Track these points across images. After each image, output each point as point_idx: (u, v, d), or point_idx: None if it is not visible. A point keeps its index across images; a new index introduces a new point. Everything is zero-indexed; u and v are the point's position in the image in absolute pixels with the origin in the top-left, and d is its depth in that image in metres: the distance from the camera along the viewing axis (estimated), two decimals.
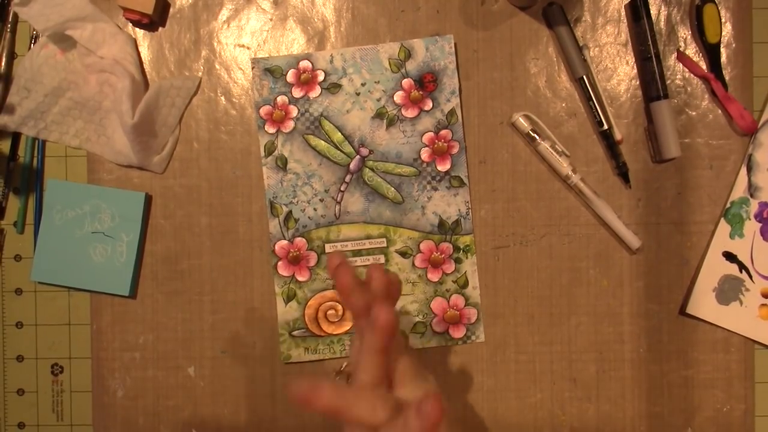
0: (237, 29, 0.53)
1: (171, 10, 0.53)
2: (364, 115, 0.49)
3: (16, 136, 0.53)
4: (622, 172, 0.52)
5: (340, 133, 0.49)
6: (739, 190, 0.52)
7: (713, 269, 0.52)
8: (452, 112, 0.49)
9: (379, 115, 0.49)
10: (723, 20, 0.52)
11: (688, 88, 0.52)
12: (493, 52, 0.52)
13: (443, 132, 0.49)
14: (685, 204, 0.53)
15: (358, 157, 0.49)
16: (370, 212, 0.50)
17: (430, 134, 0.49)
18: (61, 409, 0.54)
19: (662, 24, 0.52)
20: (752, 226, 0.52)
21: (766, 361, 0.53)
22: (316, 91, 0.49)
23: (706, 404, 0.53)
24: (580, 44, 0.52)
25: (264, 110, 0.50)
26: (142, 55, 0.53)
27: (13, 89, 0.52)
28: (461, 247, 0.50)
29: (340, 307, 0.50)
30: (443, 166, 0.50)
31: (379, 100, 0.49)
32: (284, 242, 0.50)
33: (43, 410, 0.54)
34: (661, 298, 0.53)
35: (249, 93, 0.53)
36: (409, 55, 0.49)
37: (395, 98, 0.49)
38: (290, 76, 0.50)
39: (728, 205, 0.52)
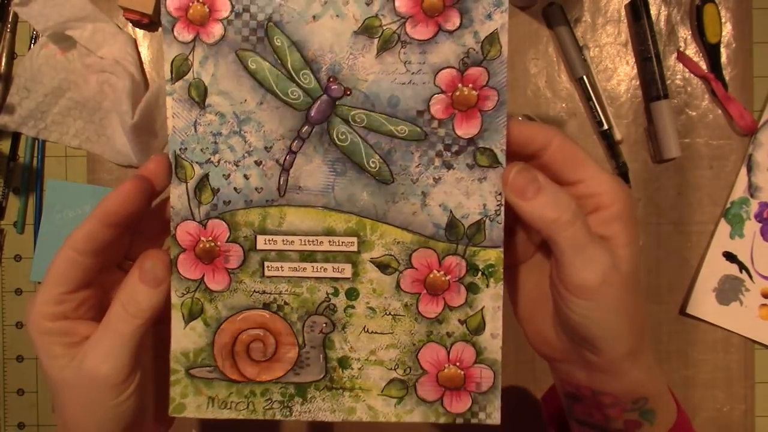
0: None
1: None
2: (342, 28, 0.30)
3: (16, 136, 0.53)
4: (622, 172, 0.52)
5: (298, 54, 0.30)
6: (739, 190, 0.52)
7: (713, 269, 0.52)
8: (493, 38, 0.29)
9: (367, 29, 0.30)
10: (723, 20, 0.52)
11: (688, 88, 0.52)
12: None
13: (473, 71, 0.30)
14: (685, 204, 0.53)
15: (325, 97, 0.31)
16: (336, 192, 0.31)
17: (451, 72, 0.30)
18: None
19: (662, 24, 0.52)
20: (752, 226, 0.52)
21: (766, 361, 0.53)
22: None
23: (706, 404, 0.53)
24: (580, 44, 0.52)
25: (175, 1, 0.30)
26: (142, 55, 0.53)
27: (13, 89, 0.52)
28: (480, 266, 0.31)
29: (272, 340, 0.32)
30: (467, 129, 0.30)
31: (369, 3, 0.30)
32: (192, 225, 0.31)
33: (43, 410, 0.54)
34: (661, 298, 0.53)
35: None
36: None
37: (398, 4, 0.30)
38: None
39: (728, 205, 0.52)
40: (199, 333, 0.32)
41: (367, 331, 0.32)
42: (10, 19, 0.53)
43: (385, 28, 0.30)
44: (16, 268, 0.54)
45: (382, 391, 0.32)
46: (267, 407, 0.33)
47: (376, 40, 0.30)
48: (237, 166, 0.31)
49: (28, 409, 0.54)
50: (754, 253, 0.52)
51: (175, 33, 0.30)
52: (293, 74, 0.31)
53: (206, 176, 0.31)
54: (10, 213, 0.54)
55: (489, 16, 0.29)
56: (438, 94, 0.30)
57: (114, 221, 0.29)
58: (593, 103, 0.51)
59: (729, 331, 0.52)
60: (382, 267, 0.32)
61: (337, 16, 0.30)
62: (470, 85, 0.30)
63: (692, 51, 0.52)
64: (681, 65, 0.52)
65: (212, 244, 0.32)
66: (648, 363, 0.31)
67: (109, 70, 0.51)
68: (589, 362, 0.31)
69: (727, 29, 0.52)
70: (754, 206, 0.52)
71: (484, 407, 0.32)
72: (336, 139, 0.31)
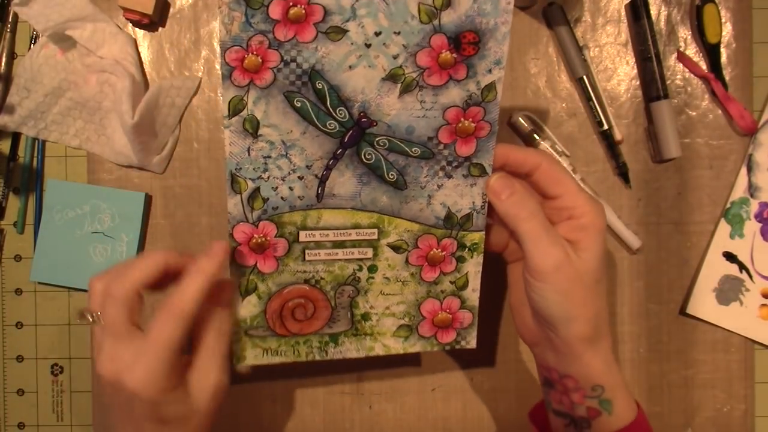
0: None
1: (171, 10, 0.53)
2: (372, 75, 0.38)
3: (16, 136, 0.53)
4: (622, 172, 0.52)
5: (336, 95, 0.38)
6: (739, 190, 0.52)
7: (713, 269, 0.52)
8: (491, 87, 0.38)
9: (392, 77, 0.38)
10: (723, 20, 0.52)
11: (688, 88, 0.52)
12: None
13: (473, 109, 0.39)
14: (685, 204, 0.53)
15: (356, 127, 0.39)
16: (362, 197, 0.40)
17: (456, 110, 0.39)
18: (61, 409, 0.54)
19: (662, 24, 0.52)
20: (752, 226, 0.52)
21: (766, 361, 0.53)
22: (310, 35, 0.37)
23: (706, 404, 0.53)
24: (580, 44, 0.52)
25: (233, 54, 0.36)
26: (142, 55, 0.53)
27: (13, 89, 0.52)
28: (467, 244, 0.42)
29: (311, 305, 0.42)
30: (465, 151, 0.40)
31: (396, 57, 0.37)
32: (246, 226, 0.40)
33: (43, 410, 0.54)
34: (661, 298, 0.53)
35: None
36: (448, 2, 0.37)
37: (418, 58, 0.37)
38: (274, 9, 0.36)
39: (728, 205, 0.52)
40: (254, 304, 0.42)
41: (383, 293, 0.43)
42: (10, 19, 0.53)
43: (407, 75, 0.38)
44: (16, 268, 0.54)
45: (393, 334, 0.44)
46: (308, 352, 0.43)
47: (399, 85, 0.38)
48: (283, 180, 0.39)
49: (28, 409, 0.54)
50: (754, 253, 0.52)
51: (233, 79, 0.37)
52: (331, 110, 0.38)
53: (257, 189, 0.39)
54: (10, 213, 0.54)
55: (489, 71, 0.38)
56: (445, 125, 0.39)
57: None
58: (593, 103, 0.51)
59: (729, 331, 0.52)
60: (395, 248, 0.42)
61: (369, 66, 0.37)
62: (470, 119, 0.39)
63: (692, 51, 0.52)
64: (681, 65, 0.52)
65: (263, 239, 0.40)
66: (606, 356, 0.38)
67: (109, 70, 0.51)
68: (552, 343, 0.38)
69: (727, 29, 0.52)
70: (754, 206, 0.52)
71: (464, 337, 0.44)
72: (363, 158, 0.40)
